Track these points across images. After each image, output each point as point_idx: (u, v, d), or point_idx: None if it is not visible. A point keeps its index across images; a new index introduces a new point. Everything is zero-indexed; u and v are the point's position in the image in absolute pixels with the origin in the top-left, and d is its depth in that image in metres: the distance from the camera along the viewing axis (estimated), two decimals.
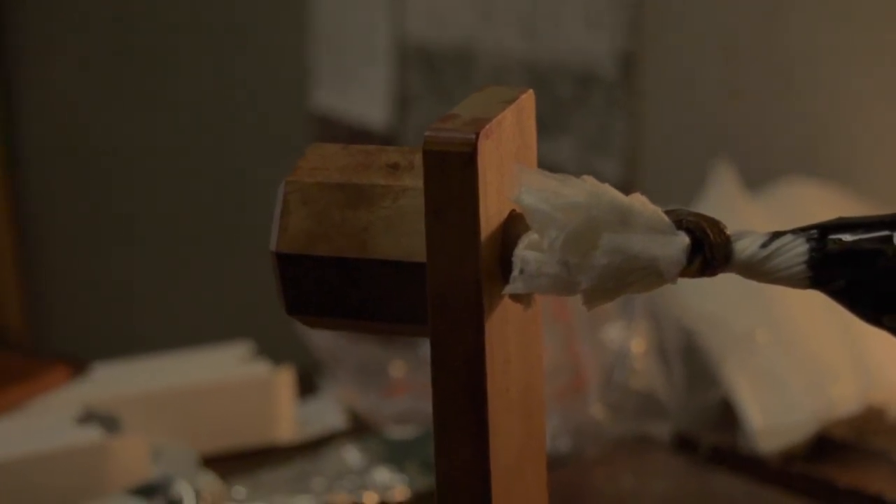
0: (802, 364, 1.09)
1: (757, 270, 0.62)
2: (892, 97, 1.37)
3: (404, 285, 0.65)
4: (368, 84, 1.72)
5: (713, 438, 1.09)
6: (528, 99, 0.68)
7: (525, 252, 0.62)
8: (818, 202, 1.31)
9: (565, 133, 1.56)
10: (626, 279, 0.61)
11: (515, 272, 0.62)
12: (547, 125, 1.58)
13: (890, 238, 0.61)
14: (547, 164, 1.69)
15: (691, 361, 1.13)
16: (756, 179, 1.39)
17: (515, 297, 0.64)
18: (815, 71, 1.40)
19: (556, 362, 1.12)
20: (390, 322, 0.66)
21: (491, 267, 0.63)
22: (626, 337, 1.12)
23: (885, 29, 1.36)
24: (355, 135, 1.73)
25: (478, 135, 0.62)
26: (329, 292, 0.66)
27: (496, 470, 0.64)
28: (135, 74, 1.99)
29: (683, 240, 0.61)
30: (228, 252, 1.91)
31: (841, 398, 1.06)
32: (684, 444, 1.10)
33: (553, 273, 0.61)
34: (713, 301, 1.14)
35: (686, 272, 0.62)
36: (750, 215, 1.28)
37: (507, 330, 0.66)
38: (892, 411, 1.07)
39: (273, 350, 1.21)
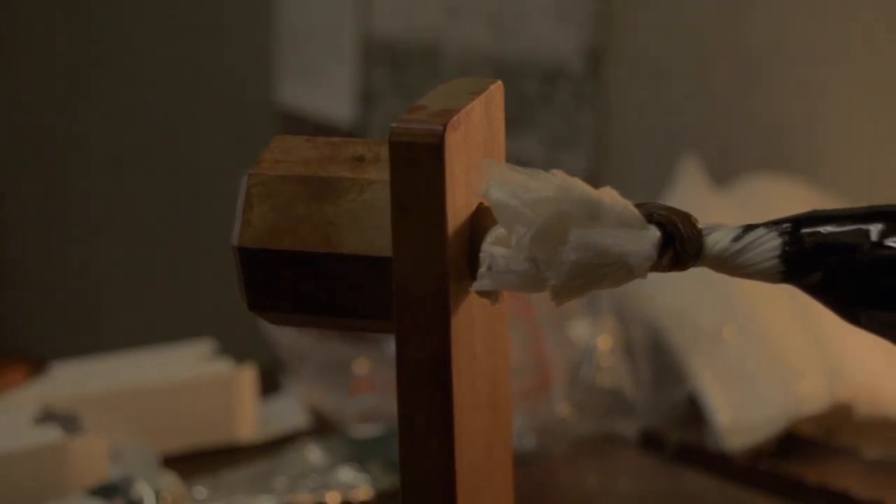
0: (770, 361, 1.08)
1: (729, 264, 0.61)
2: (859, 92, 1.37)
3: (370, 280, 0.63)
4: (334, 80, 1.70)
5: (680, 436, 1.08)
6: (496, 90, 0.67)
7: (492, 248, 0.60)
8: (785, 197, 1.31)
9: (533, 128, 1.55)
10: (595, 274, 0.60)
11: (483, 268, 0.60)
12: (514, 120, 1.57)
13: (867, 232, 0.60)
14: (514, 160, 1.68)
15: (658, 359, 1.12)
16: (723, 174, 1.38)
17: (482, 293, 0.63)
18: (782, 65, 1.40)
19: (522, 360, 1.11)
20: (355, 318, 0.64)
21: (458, 262, 0.62)
22: (593, 334, 1.11)
23: (850, 23, 1.35)
24: (321, 131, 1.71)
25: (445, 126, 0.60)
26: (292, 288, 0.64)
27: (462, 467, 0.63)
28: (98, 70, 1.96)
29: (654, 234, 0.60)
30: (192, 249, 1.89)
31: (808, 395, 1.06)
32: (651, 442, 1.09)
33: (521, 269, 0.60)
34: (680, 298, 1.13)
35: (657, 266, 0.61)
36: (716, 210, 1.27)
37: (473, 326, 0.64)
38: (858, 408, 1.06)
39: (236, 348, 1.20)
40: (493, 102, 0.66)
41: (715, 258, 0.61)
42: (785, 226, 0.61)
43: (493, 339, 0.67)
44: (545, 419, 1.09)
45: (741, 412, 1.07)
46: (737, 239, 0.61)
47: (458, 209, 0.62)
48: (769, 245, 0.61)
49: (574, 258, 0.59)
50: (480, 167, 0.61)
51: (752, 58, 1.41)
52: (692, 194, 1.30)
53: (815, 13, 1.37)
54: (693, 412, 1.10)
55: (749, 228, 0.61)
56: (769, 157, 1.41)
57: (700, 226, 0.62)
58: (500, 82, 0.67)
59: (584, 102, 1.51)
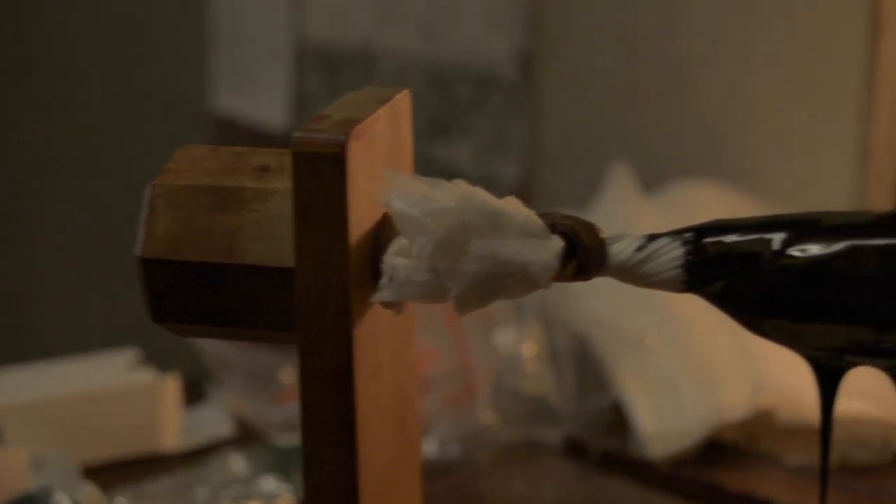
0: (693, 368, 1.08)
1: (632, 274, 0.61)
2: (786, 99, 1.37)
3: (273, 291, 0.63)
4: (267, 85, 1.70)
5: (603, 443, 1.08)
6: (403, 99, 0.66)
7: (394, 258, 0.60)
8: (713, 203, 1.31)
9: (465, 134, 1.55)
10: (497, 285, 0.60)
11: (384, 279, 0.60)
12: (447, 126, 1.56)
13: (769, 241, 0.60)
14: (447, 166, 1.67)
15: (582, 366, 1.12)
16: (654, 179, 1.39)
17: (386, 304, 0.63)
18: (712, 71, 1.40)
19: (448, 368, 1.11)
20: (259, 329, 0.64)
21: (361, 272, 0.62)
22: (517, 341, 1.11)
23: (779, 31, 1.36)
24: (255, 137, 1.71)
25: (348, 136, 0.60)
26: (195, 299, 0.64)
27: (367, 478, 0.62)
28: (30, 76, 1.95)
29: (557, 244, 0.60)
30: (119, 257, 1.88)
31: (731, 402, 1.06)
32: (575, 450, 1.09)
33: (422, 280, 0.59)
34: (604, 305, 1.13)
35: (560, 276, 0.61)
36: (645, 216, 1.27)
37: (378, 336, 0.64)
38: (780, 415, 1.06)
39: (161, 357, 1.19)
40: (400, 112, 0.66)
41: (618, 268, 0.61)
42: (688, 235, 0.61)
43: (401, 350, 0.67)
44: (469, 427, 1.09)
45: (664, 420, 1.07)
46: (640, 249, 0.61)
47: (361, 219, 0.61)
48: (672, 255, 0.61)
49: (475, 268, 0.59)
50: (383, 177, 0.61)
51: (683, 63, 1.41)
52: (621, 200, 1.30)
53: (743, 20, 1.38)
54: (617, 419, 1.10)
55: (652, 238, 0.61)
56: (699, 162, 1.41)
57: (603, 235, 0.61)
58: (406, 91, 0.67)
59: (515, 108, 1.51)
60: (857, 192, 1.34)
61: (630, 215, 1.27)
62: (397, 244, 0.61)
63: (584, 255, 0.61)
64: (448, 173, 1.57)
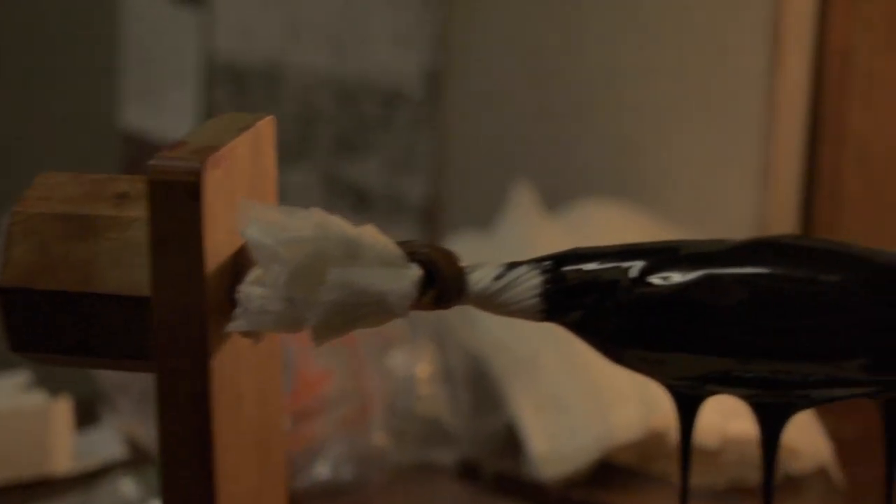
0: (586, 390, 1.08)
1: (491, 303, 0.61)
2: (689, 118, 1.38)
3: (130, 320, 0.62)
4: (176, 102, 1.68)
5: (497, 465, 1.08)
6: (266, 126, 0.66)
7: (249, 288, 0.59)
8: (615, 221, 1.31)
9: (373, 152, 1.55)
10: (354, 314, 0.59)
11: (239, 309, 0.59)
12: (354, 143, 1.56)
13: (627, 269, 0.60)
14: (355, 184, 1.66)
15: (477, 387, 1.12)
16: (559, 198, 1.39)
17: (245, 333, 0.62)
18: (616, 91, 1.40)
19: (342, 389, 1.10)
20: (117, 358, 0.63)
21: (220, 301, 0.61)
22: (412, 363, 1.10)
23: (681, 51, 1.36)
24: None
25: (204, 164, 0.59)
26: (53, 328, 0.63)
27: None
28: None
29: (415, 272, 0.60)
30: None
31: (623, 424, 1.06)
32: (468, 471, 1.09)
33: (277, 310, 0.59)
34: (499, 326, 1.13)
35: (419, 305, 0.61)
36: (546, 235, 1.28)
37: (239, 365, 0.63)
38: (672, 436, 1.06)
39: (53, 379, 1.17)
40: (262, 138, 0.65)
41: (478, 296, 0.61)
42: (546, 264, 0.60)
43: (265, 377, 0.66)
44: (363, 448, 1.08)
45: (556, 441, 1.07)
46: (498, 277, 0.61)
47: (219, 248, 0.61)
48: (530, 283, 0.60)
49: (332, 298, 0.59)
50: (240, 206, 0.60)
51: (587, 83, 1.42)
52: (522, 220, 1.30)
53: (646, 40, 1.38)
54: (511, 441, 1.10)
55: (512, 266, 0.61)
56: (603, 181, 1.42)
57: (463, 264, 0.61)
58: (271, 117, 0.66)
59: (422, 125, 1.50)
60: (758, 210, 1.35)
61: (531, 235, 1.27)
62: (254, 273, 0.60)
63: (442, 284, 0.60)
64: (356, 190, 1.56)
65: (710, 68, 1.35)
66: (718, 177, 1.36)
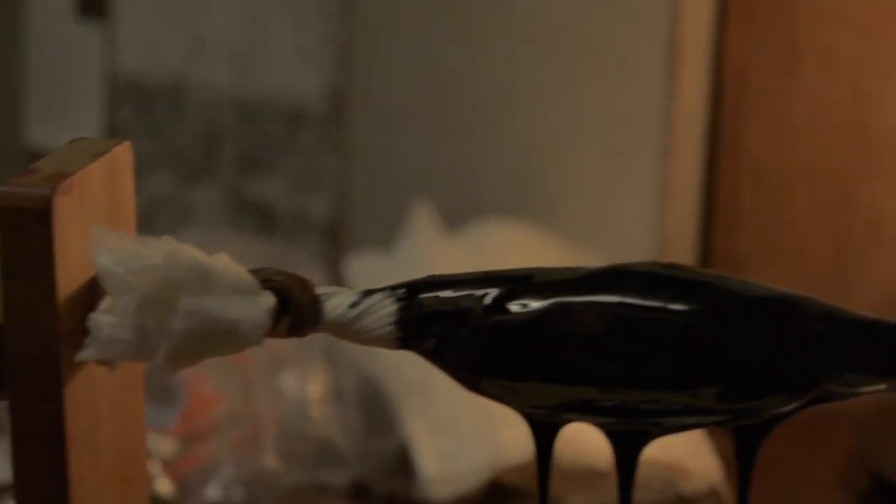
0: (476, 410, 1.09)
1: (348, 330, 0.61)
2: (589, 137, 1.38)
3: None
4: (81, 119, 1.67)
5: (389, 486, 1.08)
6: (122, 152, 0.65)
7: (100, 316, 0.59)
8: (516, 241, 1.32)
9: (276, 171, 1.54)
10: (208, 342, 0.59)
11: (90, 337, 0.59)
12: (258, 162, 1.55)
13: (481, 297, 0.60)
14: (260, 203, 1.65)
15: (369, 408, 1.11)
16: (462, 217, 1.39)
17: (99, 361, 0.61)
18: (518, 110, 1.41)
19: (233, 411, 1.10)
20: None
21: (74, 330, 0.60)
22: (303, 383, 1.10)
23: (582, 70, 1.37)
24: None
25: (55, 191, 0.59)
26: None
27: None
28: None
29: (268, 300, 0.59)
30: None
31: (512, 444, 1.06)
32: (360, 493, 1.09)
33: (127, 338, 0.58)
34: None
35: (274, 333, 0.60)
36: (446, 255, 1.28)
37: (96, 393, 0.63)
38: (562, 457, 1.07)
39: None
40: (119, 165, 0.65)
41: (333, 324, 0.61)
42: (401, 291, 0.60)
43: (125, 404, 0.66)
44: (253, 470, 1.08)
45: (447, 462, 1.07)
46: (354, 305, 0.60)
47: (73, 276, 0.60)
48: (385, 311, 0.60)
49: (184, 326, 0.58)
50: (91, 235, 0.60)
51: (489, 102, 1.42)
52: (422, 240, 1.30)
53: (548, 60, 1.39)
54: (403, 462, 1.09)
55: (367, 294, 0.61)
56: (505, 200, 1.42)
57: (318, 291, 0.61)
58: (127, 143, 0.66)
59: (326, 145, 1.50)
60: (657, 228, 1.36)
61: (430, 255, 1.27)
62: (106, 302, 0.60)
63: (296, 312, 0.60)
64: (260, 209, 1.56)
65: (609, 88, 1.36)
66: (618, 195, 1.37)
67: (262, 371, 1.11)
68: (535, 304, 0.59)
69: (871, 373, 0.59)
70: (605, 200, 1.38)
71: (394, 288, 0.61)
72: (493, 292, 0.60)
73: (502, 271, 0.61)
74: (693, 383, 0.59)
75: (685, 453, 1.10)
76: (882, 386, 0.60)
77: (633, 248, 1.34)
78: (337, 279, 1.35)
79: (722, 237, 1.37)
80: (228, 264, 0.59)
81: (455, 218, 1.37)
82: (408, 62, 1.46)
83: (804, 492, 1.18)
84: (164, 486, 1.08)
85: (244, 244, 1.43)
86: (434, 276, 0.61)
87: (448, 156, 1.45)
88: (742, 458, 0.61)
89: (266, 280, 0.60)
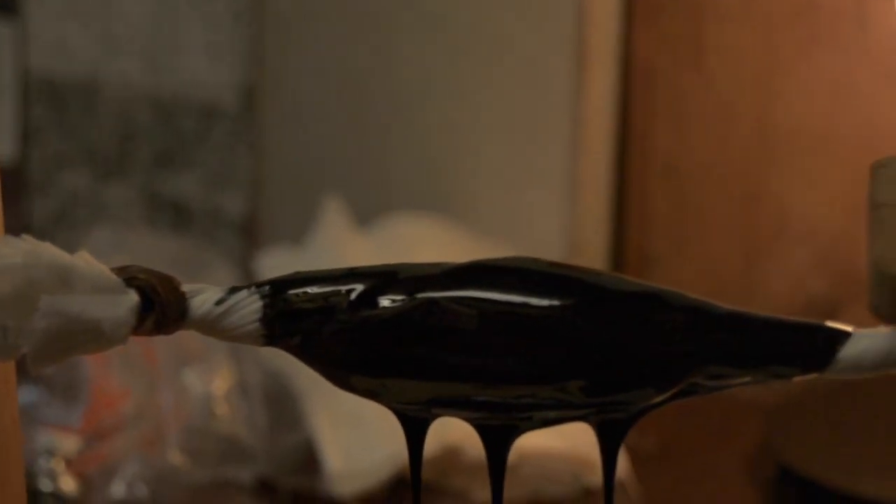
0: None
1: (214, 328, 0.61)
2: (500, 133, 1.39)
3: None
4: None
5: (294, 482, 1.08)
6: None
7: None
8: (426, 237, 1.32)
9: (190, 168, 1.54)
10: (70, 341, 0.59)
11: None
12: (172, 159, 1.55)
13: (346, 293, 0.60)
14: (174, 200, 1.64)
15: (274, 403, 1.11)
16: (374, 213, 1.39)
17: None
18: (429, 106, 1.41)
19: (139, 408, 1.09)
20: None
21: None
22: (208, 379, 1.10)
23: (491, 66, 1.37)
24: None
25: None
26: None
27: None
28: None
29: (132, 298, 0.59)
30: None
31: None
32: (266, 489, 1.09)
33: None
34: None
35: (140, 331, 0.60)
36: (357, 251, 1.28)
37: None
38: (468, 452, 1.07)
39: None
40: None
41: (200, 321, 0.60)
42: (265, 288, 0.60)
43: None
44: (158, 467, 1.07)
45: (352, 457, 1.07)
46: (220, 302, 0.60)
47: None
48: (251, 308, 0.60)
49: (45, 325, 0.58)
50: None
51: (400, 98, 1.42)
52: (333, 237, 1.30)
53: (458, 56, 1.39)
54: (309, 457, 1.10)
55: (233, 291, 0.61)
56: (417, 196, 1.42)
57: (184, 289, 0.61)
58: None
59: (239, 141, 1.50)
60: (568, 224, 1.37)
61: (340, 251, 1.27)
62: None
63: (161, 310, 0.60)
64: (175, 206, 1.56)
65: (517, 86, 1.36)
66: (528, 192, 1.38)
67: (166, 367, 1.11)
68: (398, 300, 0.59)
69: (736, 366, 0.60)
70: (515, 197, 1.38)
71: (259, 285, 0.61)
72: (358, 288, 0.60)
73: (368, 267, 0.61)
74: (558, 377, 0.59)
75: (592, 446, 1.11)
76: (747, 379, 0.60)
77: (543, 244, 1.35)
78: (250, 275, 1.35)
79: (633, 232, 1.37)
80: (91, 263, 0.59)
81: (366, 213, 1.37)
82: (319, 59, 1.46)
83: (712, 483, 1.19)
84: (67, 484, 1.07)
85: (159, 241, 1.43)
86: (300, 273, 0.61)
87: (359, 152, 1.45)
88: (607, 453, 0.61)
89: (130, 278, 0.60)
